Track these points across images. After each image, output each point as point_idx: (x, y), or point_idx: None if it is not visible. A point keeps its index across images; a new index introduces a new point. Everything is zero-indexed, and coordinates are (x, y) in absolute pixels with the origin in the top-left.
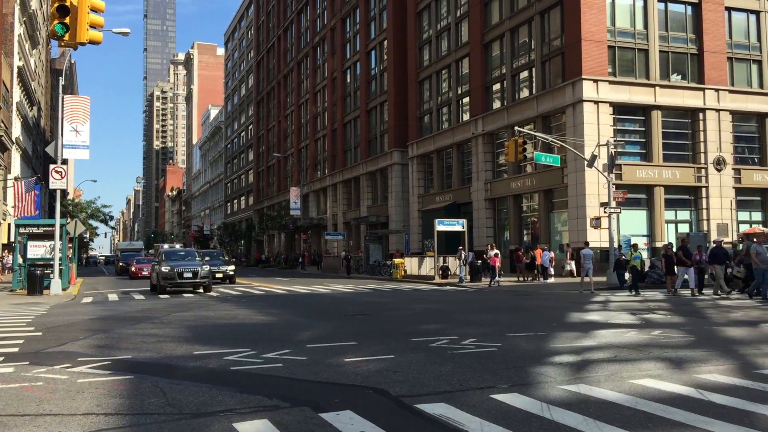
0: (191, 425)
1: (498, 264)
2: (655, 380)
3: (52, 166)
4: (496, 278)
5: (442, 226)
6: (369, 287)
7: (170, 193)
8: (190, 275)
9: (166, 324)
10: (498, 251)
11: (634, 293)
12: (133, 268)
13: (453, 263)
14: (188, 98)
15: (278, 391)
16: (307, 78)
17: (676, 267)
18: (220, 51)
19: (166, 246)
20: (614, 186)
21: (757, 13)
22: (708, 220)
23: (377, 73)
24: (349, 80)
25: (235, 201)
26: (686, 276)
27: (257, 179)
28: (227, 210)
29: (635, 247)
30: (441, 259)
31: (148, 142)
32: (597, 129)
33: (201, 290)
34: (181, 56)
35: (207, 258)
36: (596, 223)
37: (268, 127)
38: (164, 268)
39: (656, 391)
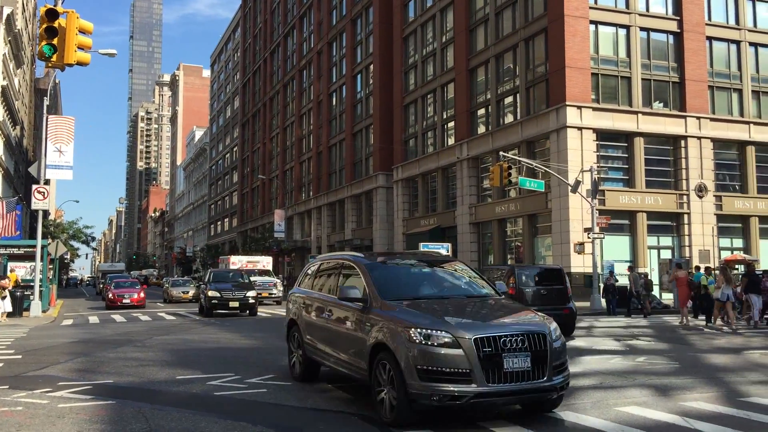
0: None
1: None
2: (641, 408)
3: (34, 187)
4: None
5: (426, 249)
6: None
7: (153, 215)
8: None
9: (148, 347)
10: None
11: (709, 323)
12: (110, 295)
13: None
14: (173, 119)
15: (263, 417)
16: (293, 100)
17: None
18: (206, 73)
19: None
20: (597, 211)
21: (737, 42)
22: (690, 246)
23: (363, 96)
24: (335, 103)
25: (219, 222)
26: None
27: (241, 201)
28: (210, 232)
29: (708, 270)
30: None
31: (132, 162)
32: (581, 155)
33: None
34: (167, 77)
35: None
36: (579, 248)
37: (253, 149)
38: (211, 293)
39: (642, 419)
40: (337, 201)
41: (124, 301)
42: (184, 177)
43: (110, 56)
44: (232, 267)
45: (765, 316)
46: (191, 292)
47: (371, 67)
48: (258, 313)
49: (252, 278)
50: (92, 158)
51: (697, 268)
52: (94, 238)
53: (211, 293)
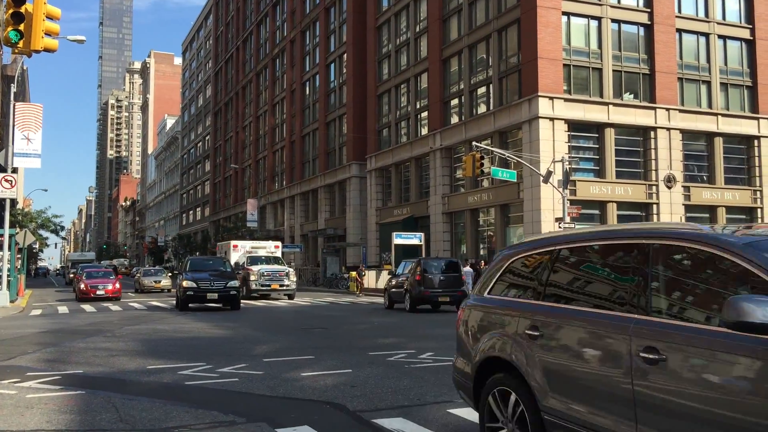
0: None
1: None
2: None
3: (1, 175)
4: None
5: (400, 239)
6: (326, 300)
7: (124, 204)
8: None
9: (119, 338)
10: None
11: None
12: (82, 286)
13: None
14: (144, 107)
15: (234, 406)
16: (266, 89)
17: None
18: (178, 60)
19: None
20: (569, 201)
21: (706, 35)
22: None
23: (336, 86)
24: (308, 92)
25: (191, 212)
26: None
27: (214, 190)
28: (182, 221)
29: None
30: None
31: (102, 151)
32: (552, 145)
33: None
34: (138, 65)
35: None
36: None
37: (226, 137)
38: (186, 283)
39: None
40: (311, 190)
41: (98, 292)
42: (155, 166)
43: (79, 43)
44: (234, 254)
45: None
46: (163, 282)
47: (345, 56)
48: (242, 305)
49: (257, 267)
50: (61, 146)
51: None
52: (63, 228)
53: (186, 284)
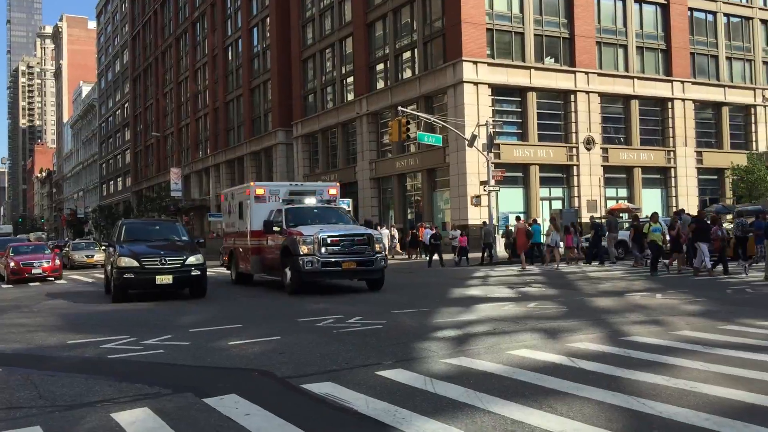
0: (65, 418)
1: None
2: (531, 350)
3: None
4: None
5: None
6: None
7: (39, 175)
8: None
9: (37, 313)
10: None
11: (652, 273)
12: (12, 264)
13: None
14: (57, 74)
15: (159, 378)
16: (187, 55)
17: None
18: (92, 24)
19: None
20: (493, 165)
21: (623, 0)
22: (579, 196)
23: (260, 51)
24: (230, 58)
25: (112, 182)
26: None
27: (135, 159)
28: (103, 192)
29: (655, 218)
30: None
31: (14, 120)
32: (477, 109)
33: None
34: (49, 29)
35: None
36: (476, 201)
37: (146, 105)
38: (124, 261)
39: (532, 360)
40: (236, 158)
41: (34, 271)
42: (71, 135)
43: None
44: (256, 209)
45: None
46: (96, 256)
47: (268, 20)
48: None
49: (312, 230)
50: None
51: (534, 221)
52: None
53: (123, 261)
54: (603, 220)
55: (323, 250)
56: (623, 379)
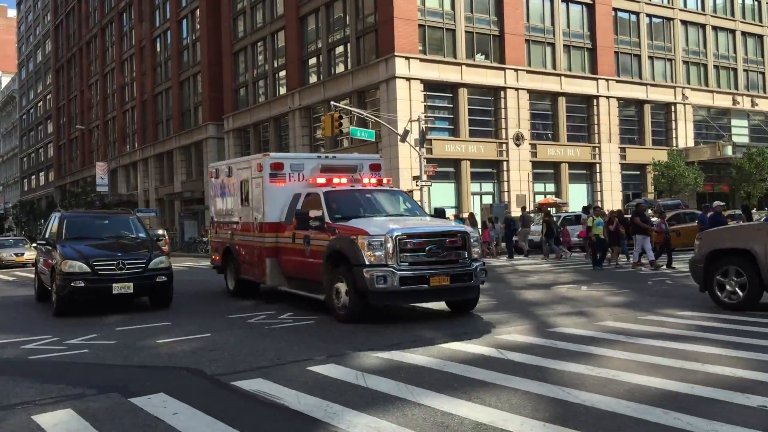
0: None
1: None
2: (462, 343)
3: None
4: None
5: None
6: (184, 265)
7: None
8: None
9: None
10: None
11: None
12: None
13: None
14: None
15: (84, 378)
16: (113, 45)
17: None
18: (12, 12)
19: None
20: (425, 160)
21: None
22: (509, 191)
23: (190, 42)
24: (159, 49)
25: (33, 177)
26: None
27: (58, 153)
28: (24, 187)
29: (598, 212)
30: None
31: None
32: (409, 105)
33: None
34: None
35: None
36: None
37: (70, 96)
38: (68, 265)
39: (463, 353)
40: (165, 152)
41: None
42: None
43: None
44: (272, 185)
45: (651, 258)
46: (27, 254)
47: (197, 11)
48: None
49: (375, 222)
50: None
51: (456, 216)
52: None
53: (68, 265)
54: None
55: (401, 257)
56: (550, 370)
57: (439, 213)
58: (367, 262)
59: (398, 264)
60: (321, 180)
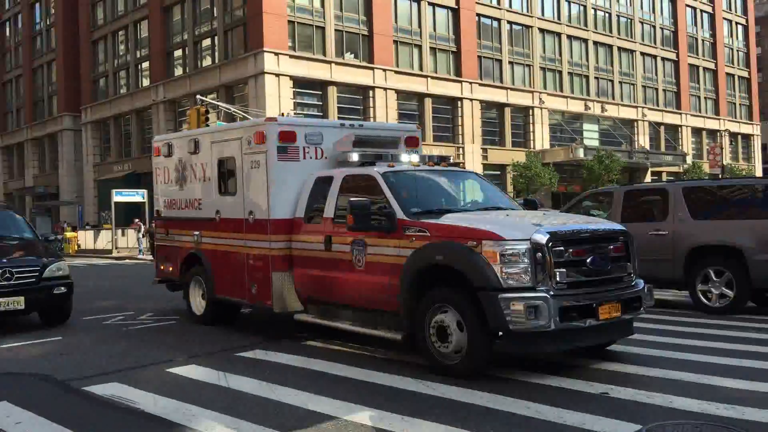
0: None
1: None
2: (325, 342)
3: None
4: None
5: (120, 196)
6: None
7: None
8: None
9: None
10: None
11: None
12: None
13: (132, 235)
14: None
15: None
16: None
17: None
18: None
19: None
20: None
21: (418, 1)
22: None
23: (43, 28)
24: (9, 34)
25: None
26: None
27: None
28: None
29: None
30: (119, 231)
31: None
32: (278, 101)
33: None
34: None
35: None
36: None
37: None
38: None
39: (327, 350)
40: (15, 144)
41: None
42: None
43: None
44: (283, 163)
45: None
46: None
47: None
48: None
49: (558, 228)
50: None
51: None
52: None
53: None
54: None
55: (558, 273)
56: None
57: (531, 205)
58: (504, 285)
59: (555, 286)
60: (354, 158)
